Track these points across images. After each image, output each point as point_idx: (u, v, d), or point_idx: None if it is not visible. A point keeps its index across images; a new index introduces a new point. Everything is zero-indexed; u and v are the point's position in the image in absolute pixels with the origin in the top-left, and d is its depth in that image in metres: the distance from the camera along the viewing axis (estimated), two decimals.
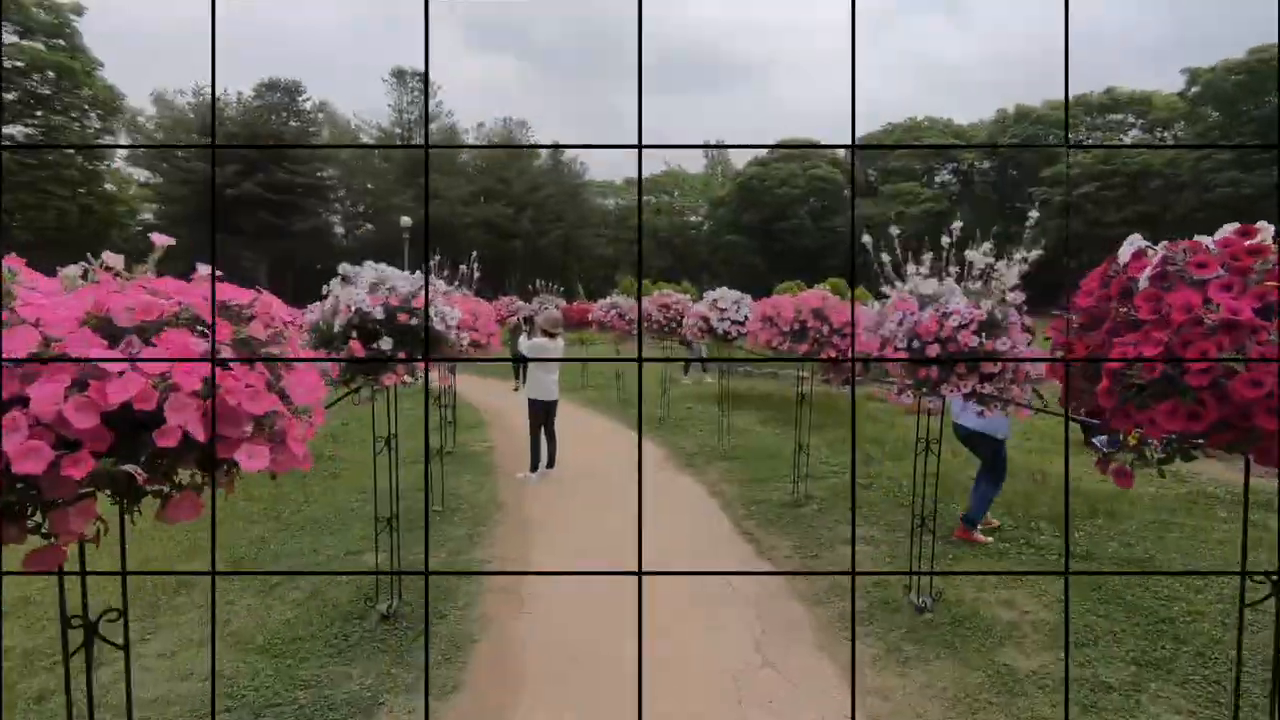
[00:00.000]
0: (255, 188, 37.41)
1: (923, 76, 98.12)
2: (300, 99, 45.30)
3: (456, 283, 8.23)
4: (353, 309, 3.40)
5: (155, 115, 45.39)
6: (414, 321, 3.52)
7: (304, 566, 4.81)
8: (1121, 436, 2.03)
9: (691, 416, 10.53)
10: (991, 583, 4.28)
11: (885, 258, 3.85)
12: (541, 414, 7.20)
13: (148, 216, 44.74)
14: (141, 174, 44.92)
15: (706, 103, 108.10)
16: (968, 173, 58.10)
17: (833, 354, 5.51)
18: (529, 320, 9.61)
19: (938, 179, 57.78)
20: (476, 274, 8.28)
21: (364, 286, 3.55)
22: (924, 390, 3.61)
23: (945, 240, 3.76)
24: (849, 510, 5.95)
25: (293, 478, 7.39)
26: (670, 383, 10.85)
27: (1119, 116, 46.92)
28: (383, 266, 3.70)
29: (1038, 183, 43.89)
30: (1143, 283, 1.79)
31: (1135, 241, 1.96)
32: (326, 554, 5.03)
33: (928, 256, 3.74)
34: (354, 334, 3.40)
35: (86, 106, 23.66)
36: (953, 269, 3.81)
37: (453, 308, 3.75)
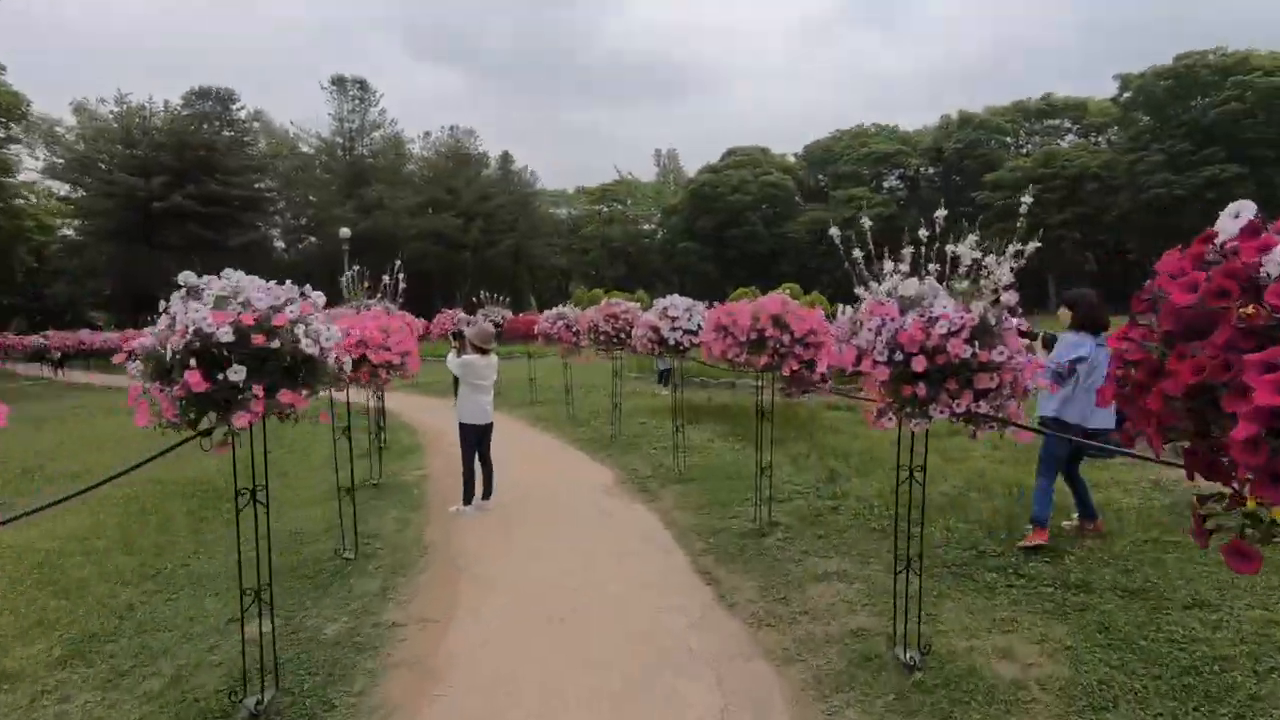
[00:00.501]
0: (185, 200, 35.40)
1: (864, 85, 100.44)
2: (234, 108, 43.31)
3: (379, 295, 7.48)
4: (190, 330, 2.64)
5: (76, 126, 42.90)
6: (275, 344, 2.77)
7: (175, 640, 3.98)
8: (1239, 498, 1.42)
9: (645, 433, 9.87)
10: (985, 629, 3.72)
11: (857, 254, 3.27)
12: (475, 440, 6.45)
13: (69, 232, 42.19)
14: (61, 187, 42.39)
15: (658, 111, 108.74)
16: (914, 178, 59.22)
17: (796, 366, 4.93)
18: (459, 335, 8.76)
19: (885, 184, 58.70)
20: (401, 284, 7.55)
21: (211, 301, 2.79)
22: (909, 410, 3.02)
23: (924, 234, 3.21)
24: (817, 538, 5.37)
25: (190, 520, 6.50)
26: (621, 397, 10.18)
27: (1056, 121, 48.35)
28: (239, 275, 2.95)
29: (980, 187, 44.80)
30: (1274, 269, 1.19)
31: (1245, 209, 1.36)
32: (207, 623, 4.19)
33: (907, 251, 3.17)
34: (193, 362, 2.64)
35: None
36: (932, 267, 3.26)
37: (329, 326, 3.01)
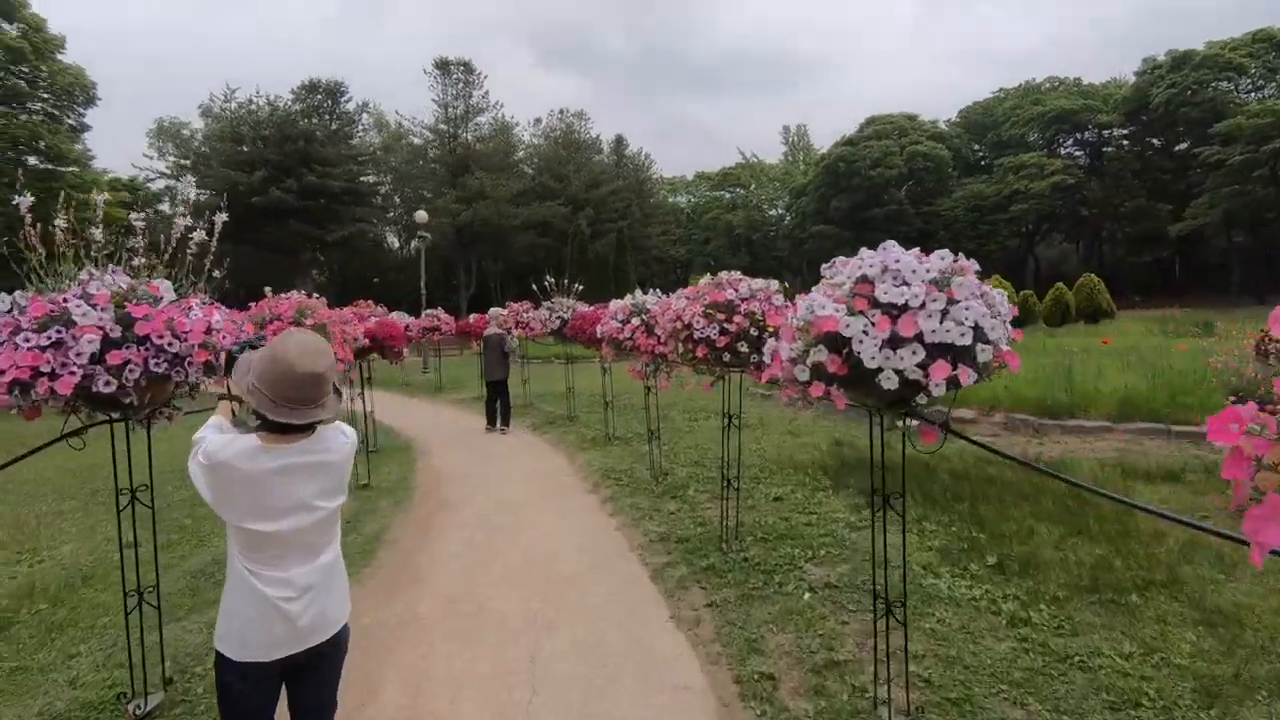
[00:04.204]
0: (283, 194, 34.22)
1: (1003, 62, 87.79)
2: (342, 100, 42.38)
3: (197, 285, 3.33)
4: None
5: (202, 127, 43.70)
6: None
7: None
8: None
9: (790, 533, 5.11)
10: None
11: None
12: (258, 708, 2.04)
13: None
14: (191, 190, 43.23)
15: (779, 101, 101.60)
16: (1096, 142, 49.41)
17: None
18: (229, 357, 3.39)
19: (1061, 150, 49.40)
20: (223, 270, 3.41)
21: None
22: None
23: None
24: None
25: None
26: (740, 464, 5.49)
27: None
28: None
29: (1206, 140, 35.41)
30: None
31: None
32: None
33: None
34: None
35: (50, 96, 20.23)
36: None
37: None
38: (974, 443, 2.77)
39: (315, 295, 5.28)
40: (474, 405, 12.91)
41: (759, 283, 4.46)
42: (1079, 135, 49.95)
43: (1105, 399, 7.94)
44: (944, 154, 46.43)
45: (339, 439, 2.08)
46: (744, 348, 4.22)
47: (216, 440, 1.93)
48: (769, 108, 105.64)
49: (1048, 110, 45.09)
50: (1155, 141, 45.71)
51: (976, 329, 2.31)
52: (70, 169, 19.12)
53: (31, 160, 18.49)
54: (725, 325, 4.22)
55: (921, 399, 2.39)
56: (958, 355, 2.33)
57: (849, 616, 3.83)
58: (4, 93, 18.09)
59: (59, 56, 19.61)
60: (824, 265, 2.87)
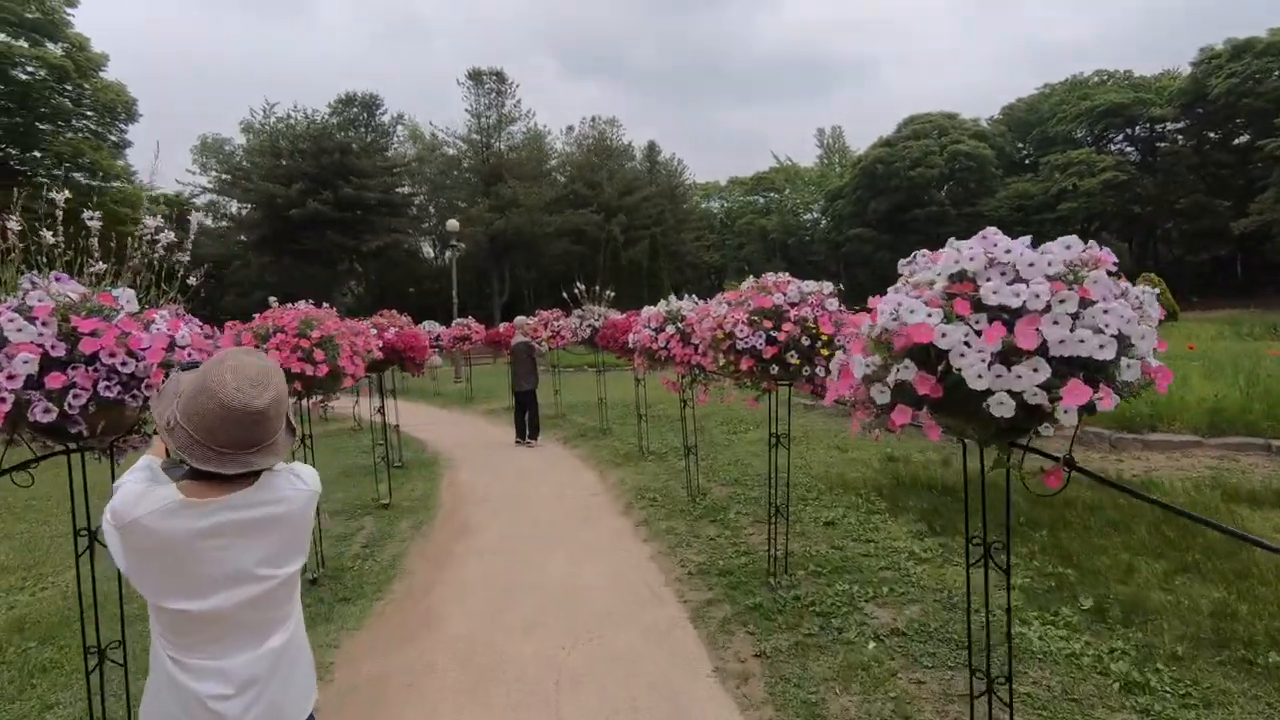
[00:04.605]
0: (321, 206, 34.62)
1: (1042, 62, 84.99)
2: (378, 113, 42.88)
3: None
4: None
5: (243, 144, 44.61)
6: None
7: None
8: None
9: (845, 567, 4.54)
10: None
11: None
12: None
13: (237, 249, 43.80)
14: (233, 204, 44.19)
15: (814, 104, 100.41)
16: (1149, 137, 47.31)
17: None
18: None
19: (1110, 146, 47.42)
20: (199, 276, 2.97)
21: None
22: None
23: None
24: None
25: None
26: (788, 508, 4.89)
27: None
28: None
29: (1270, 132, 33.52)
30: None
31: None
32: None
33: None
34: None
35: (93, 113, 20.77)
36: None
37: None
38: (1118, 487, 2.20)
39: (326, 305, 4.90)
40: (504, 416, 12.57)
41: (810, 285, 3.94)
42: (1130, 130, 47.88)
43: (1192, 410, 7.16)
44: (987, 153, 44.97)
45: (294, 485, 1.63)
46: (794, 358, 3.71)
47: (131, 491, 1.49)
48: (803, 111, 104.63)
49: (1097, 105, 43.33)
50: (1213, 134, 43.57)
51: (1120, 338, 1.76)
52: (115, 184, 19.53)
53: (79, 177, 18.96)
54: (773, 334, 3.71)
55: (1045, 429, 1.85)
56: (1092, 372, 1.79)
57: (924, 673, 3.27)
58: (50, 110, 18.64)
59: (101, 74, 20.15)
60: (901, 261, 2.37)
